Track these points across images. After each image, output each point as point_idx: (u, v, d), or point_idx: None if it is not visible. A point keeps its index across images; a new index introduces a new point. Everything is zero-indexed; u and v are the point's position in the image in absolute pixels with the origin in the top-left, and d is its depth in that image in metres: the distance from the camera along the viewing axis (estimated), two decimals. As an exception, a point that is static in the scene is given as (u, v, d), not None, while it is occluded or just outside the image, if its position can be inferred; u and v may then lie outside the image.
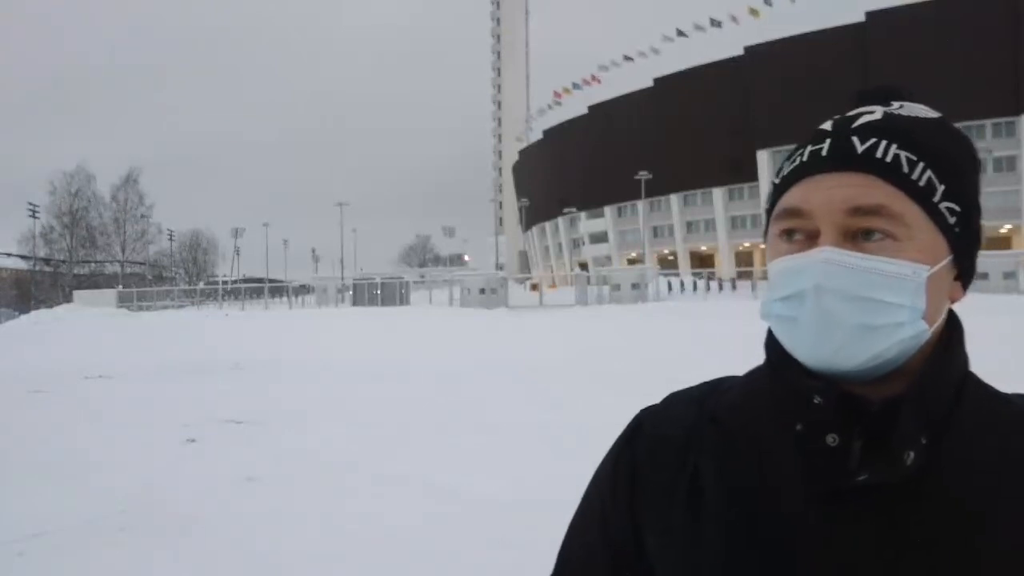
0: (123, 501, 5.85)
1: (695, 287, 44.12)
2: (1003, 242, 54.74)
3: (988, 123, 56.05)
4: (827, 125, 0.77)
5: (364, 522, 5.25)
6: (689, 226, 70.93)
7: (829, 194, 0.71)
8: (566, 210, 79.64)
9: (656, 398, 0.90)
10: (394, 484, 6.26)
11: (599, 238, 77.77)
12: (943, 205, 0.72)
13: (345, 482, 6.38)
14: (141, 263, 73.95)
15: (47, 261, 69.43)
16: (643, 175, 58.57)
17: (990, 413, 0.73)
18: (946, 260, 0.73)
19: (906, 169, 0.71)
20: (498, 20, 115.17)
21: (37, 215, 66.99)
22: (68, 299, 51.37)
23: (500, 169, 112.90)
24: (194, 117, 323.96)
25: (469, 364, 15.78)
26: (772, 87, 60.09)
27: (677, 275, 49.25)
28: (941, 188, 0.71)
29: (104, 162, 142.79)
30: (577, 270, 58.13)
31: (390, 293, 39.21)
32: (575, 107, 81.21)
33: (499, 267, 62.90)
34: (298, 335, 25.47)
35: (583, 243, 79.84)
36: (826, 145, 0.74)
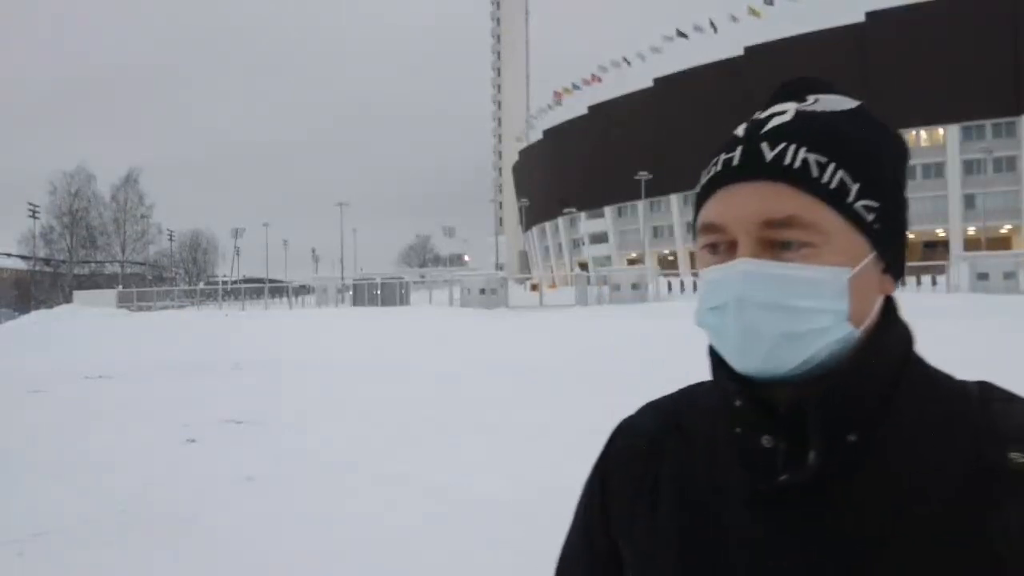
0: (123, 501, 5.85)
1: (695, 287, 44.06)
2: (1003, 242, 54.75)
3: (988, 123, 56.06)
4: (740, 130, 0.76)
5: (364, 522, 5.25)
6: (689, 226, 70.94)
7: (742, 208, 0.71)
8: (566, 210, 79.64)
9: (656, 398, 0.92)
10: (394, 484, 6.26)
11: (599, 238, 77.77)
12: (859, 204, 0.70)
13: (345, 482, 6.38)
14: (141, 263, 74.01)
15: (47, 261, 69.44)
16: (643, 175, 58.57)
17: (928, 402, 0.71)
18: (868, 258, 0.71)
19: (815, 173, 0.70)
20: (498, 20, 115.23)
21: (37, 215, 67.05)
22: (68, 299, 51.40)
23: (500, 169, 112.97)
24: (194, 118, 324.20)
25: (469, 364, 15.78)
26: (772, 87, 59.98)
27: (677, 275, 49.26)
28: (855, 187, 0.70)
29: (104, 163, 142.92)
30: (577, 270, 58.09)
31: (390, 293, 39.21)
32: (575, 107, 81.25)
33: (499, 267, 62.86)
34: (298, 335, 25.47)
35: (583, 243, 79.84)
36: (737, 153, 0.73)
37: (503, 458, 7.14)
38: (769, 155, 0.71)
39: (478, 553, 4.62)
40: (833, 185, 0.70)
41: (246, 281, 62.13)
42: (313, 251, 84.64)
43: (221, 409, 10.31)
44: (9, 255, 71.68)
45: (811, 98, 0.76)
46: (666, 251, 71.21)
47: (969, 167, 57.00)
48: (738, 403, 0.73)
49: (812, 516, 0.69)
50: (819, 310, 0.69)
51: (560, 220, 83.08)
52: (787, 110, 0.75)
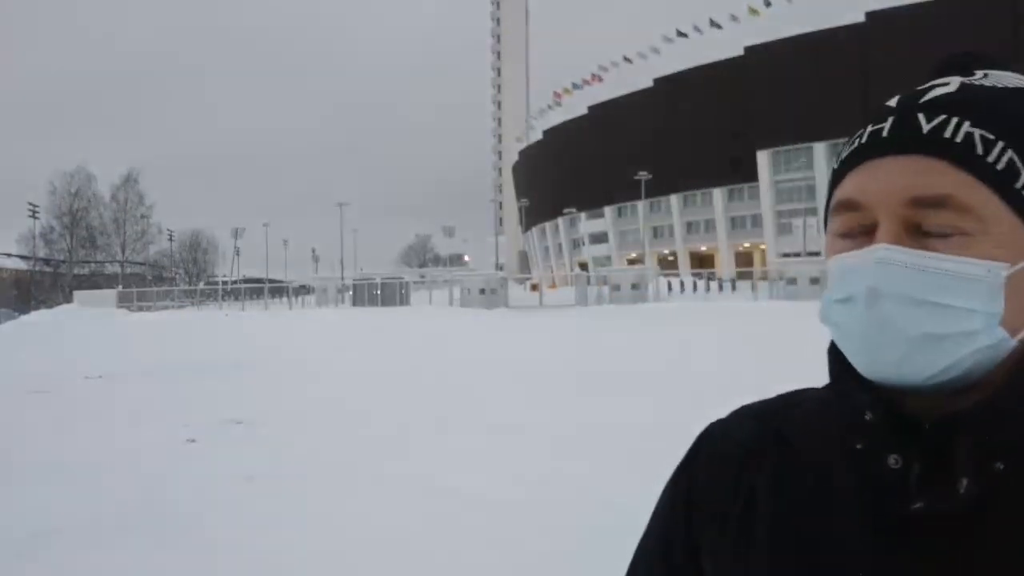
0: (123, 501, 5.85)
1: (695, 287, 44.15)
2: (1003, 242, 54.76)
3: (988, 123, 56.11)
4: (892, 101, 0.67)
5: (364, 522, 5.25)
6: (689, 226, 70.96)
7: (887, 183, 0.62)
8: (566, 210, 79.67)
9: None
10: (394, 484, 6.26)
11: (599, 238, 77.81)
12: None
13: (345, 482, 6.38)
14: (141, 263, 74.04)
15: (47, 261, 69.47)
16: (643, 175, 58.58)
17: None
18: None
19: (980, 150, 0.61)
20: (498, 20, 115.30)
21: (37, 215, 67.06)
22: (68, 299, 51.39)
23: (500, 169, 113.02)
24: (194, 118, 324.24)
25: (469, 364, 15.78)
26: (772, 87, 60.09)
27: (677, 275, 49.29)
28: None
29: (104, 163, 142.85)
30: (577, 270, 58.14)
31: (390, 293, 39.22)
32: (575, 107, 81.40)
33: (499, 267, 62.89)
34: (298, 335, 25.48)
35: (583, 243, 79.88)
36: (888, 124, 0.64)
37: (504, 458, 7.13)
38: (926, 127, 0.62)
39: (478, 553, 4.62)
40: (1001, 166, 0.60)
41: (246, 281, 62.11)
42: (313, 251, 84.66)
43: (221, 409, 10.31)
44: (9, 255, 71.74)
45: (980, 73, 0.67)
46: (666, 251, 71.24)
47: (969, 167, 57.05)
48: (869, 416, 0.64)
49: (944, 549, 0.60)
50: (968, 310, 0.60)
51: (560, 220, 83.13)
52: (950, 83, 0.66)
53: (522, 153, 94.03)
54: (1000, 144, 0.61)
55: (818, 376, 0.76)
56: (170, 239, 76.78)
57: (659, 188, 63.92)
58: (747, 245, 66.63)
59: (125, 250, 72.29)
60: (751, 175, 63.27)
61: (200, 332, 28.01)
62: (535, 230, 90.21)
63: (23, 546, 4.83)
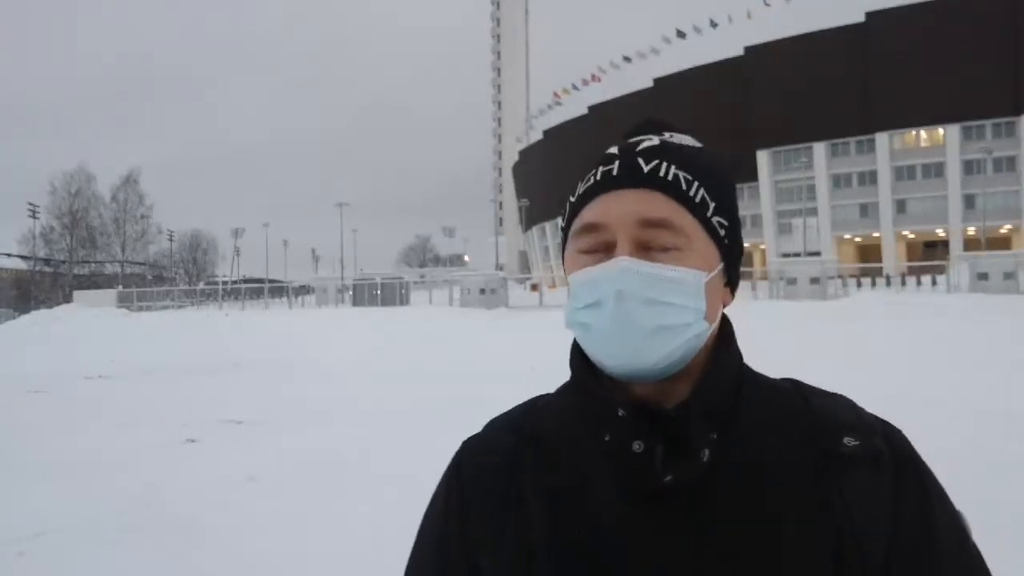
0: (123, 501, 5.84)
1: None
2: (1003, 242, 54.73)
3: (988, 123, 56.04)
4: (613, 150, 0.84)
5: (364, 522, 5.25)
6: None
7: (622, 208, 0.79)
8: (566, 210, 79.60)
9: (498, 414, 0.94)
10: (394, 484, 6.25)
11: (599, 238, 77.73)
12: (715, 219, 0.81)
13: (345, 482, 6.37)
14: (141, 263, 73.98)
15: (47, 261, 69.42)
16: (643, 175, 58.54)
17: (764, 401, 0.82)
18: (719, 267, 0.82)
19: (684, 186, 0.80)
20: (498, 20, 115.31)
21: (37, 215, 67.02)
22: (68, 299, 51.32)
23: (500, 169, 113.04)
24: (194, 117, 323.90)
25: (469, 363, 15.78)
26: (772, 87, 60.06)
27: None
28: (712, 204, 0.81)
29: (104, 163, 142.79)
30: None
31: (390, 293, 39.17)
32: (575, 107, 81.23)
33: (499, 267, 62.81)
34: (298, 335, 25.46)
35: (583, 243, 79.78)
36: (616, 166, 0.82)
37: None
38: (646, 168, 0.80)
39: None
40: (698, 199, 0.80)
41: (246, 281, 62.07)
42: (313, 251, 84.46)
43: (221, 409, 10.31)
44: (9, 255, 71.71)
45: (667, 134, 0.88)
46: (666, 251, 71.19)
47: (969, 167, 56.97)
48: (622, 412, 0.78)
49: (691, 512, 0.75)
50: (684, 307, 0.77)
51: (560, 220, 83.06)
52: (652, 139, 0.85)
53: (522, 153, 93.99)
54: (696, 183, 0.80)
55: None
56: (170, 239, 76.80)
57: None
58: (746, 245, 66.60)
59: (125, 250, 72.25)
60: (751, 175, 63.25)
61: (200, 332, 27.99)
62: (535, 230, 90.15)
63: (23, 546, 4.83)
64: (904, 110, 56.44)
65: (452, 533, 0.86)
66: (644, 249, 0.78)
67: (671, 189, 0.80)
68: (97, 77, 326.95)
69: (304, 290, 48.63)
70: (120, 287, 53.28)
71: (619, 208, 0.79)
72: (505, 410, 0.95)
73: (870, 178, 61.10)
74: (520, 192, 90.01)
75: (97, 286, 59.64)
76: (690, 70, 67.24)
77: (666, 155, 0.82)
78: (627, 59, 77.89)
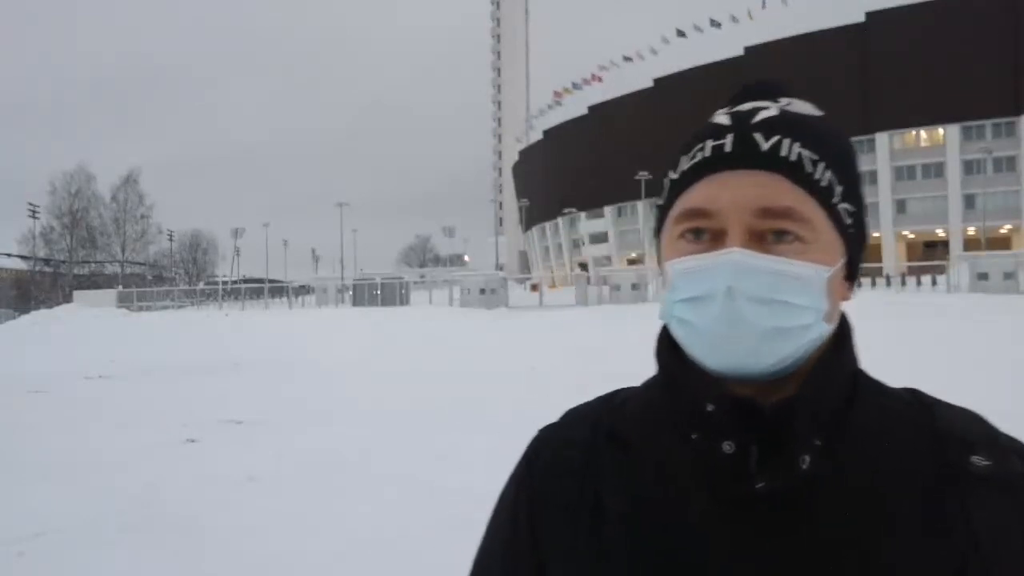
0: (123, 501, 5.85)
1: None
2: (1003, 242, 54.72)
3: (988, 123, 56.04)
4: (723, 119, 0.73)
5: (364, 522, 5.25)
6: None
7: (737, 194, 0.68)
8: (566, 210, 79.60)
9: (578, 404, 0.89)
10: (394, 484, 6.26)
11: (599, 238, 77.75)
12: (841, 206, 0.71)
13: (345, 482, 6.37)
14: (141, 263, 73.98)
15: (47, 261, 69.43)
16: (643, 175, 58.57)
17: (880, 409, 0.72)
18: (842, 261, 0.72)
19: (809, 169, 0.69)
20: (498, 20, 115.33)
21: (37, 215, 67.02)
22: (68, 299, 51.31)
23: (500, 169, 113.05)
24: (194, 118, 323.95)
25: (469, 363, 15.78)
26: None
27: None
28: (839, 189, 0.70)
29: (104, 163, 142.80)
30: (577, 270, 58.10)
31: (390, 293, 39.15)
32: (575, 107, 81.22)
33: (499, 267, 62.85)
34: (298, 335, 25.45)
35: (583, 243, 79.81)
36: (728, 140, 0.70)
37: (505, 458, 7.11)
38: (765, 145, 0.69)
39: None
40: (824, 183, 0.69)
41: (246, 281, 62.06)
42: (313, 251, 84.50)
43: (221, 409, 10.31)
44: (9, 255, 71.74)
45: (783, 100, 0.74)
46: (666, 251, 71.13)
47: (969, 167, 56.98)
48: (711, 407, 0.69)
49: (785, 524, 0.67)
50: (804, 307, 0.67)
51: (560, 220, 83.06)
52: (769, 107, 0.73)
53: (522, 153, 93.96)
54: (822, 164, 0.69)
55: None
56: (170, 239, 76.80)
57: (659, 188, 62.72)
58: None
59: (125, 250, 72.25)
60: (751, 175, 63.22)
61: (200, 332, 27.99)
62: (535, 230, 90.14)
63: (23, 546, 4.83)
64: (904, 110, 56.43)
65: (521, 536, 0.79)
66: (760, 240, 0.68)
67: (795, 172, 0.68)
68: (97, 77, 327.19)
69: (304, 290, 48.61)
70: (120, 287, 53.28)
71: (733, 194, 0.68)
72: (584, 401, 0.87)
73: (870, 178, 61.08)
74: (520, 192, 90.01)
75: (97, 286, 59.63)
76: (690, 70, 67.22)
77: (787, 130, 0.70)
78: (627, 59, 77.89)
